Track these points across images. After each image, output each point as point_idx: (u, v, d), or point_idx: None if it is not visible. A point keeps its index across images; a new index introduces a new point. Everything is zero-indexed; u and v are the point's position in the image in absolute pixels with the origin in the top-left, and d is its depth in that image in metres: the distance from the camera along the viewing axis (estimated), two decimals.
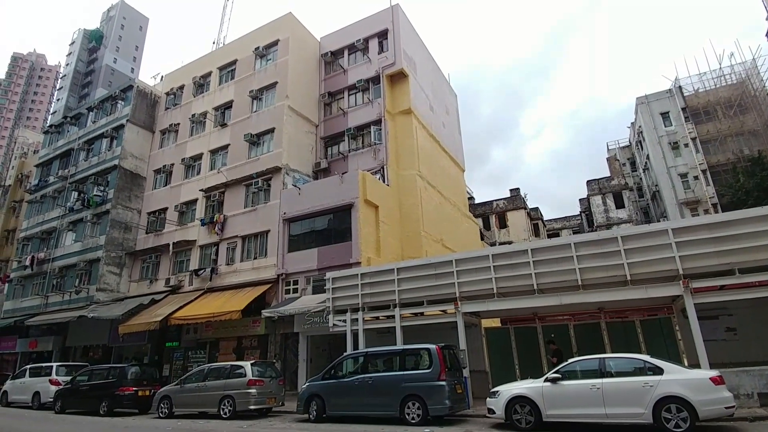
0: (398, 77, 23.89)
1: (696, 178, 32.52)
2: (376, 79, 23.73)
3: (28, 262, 27.53)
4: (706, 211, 30.63)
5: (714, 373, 7.92)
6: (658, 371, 7.96)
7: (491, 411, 9.30)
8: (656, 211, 38.21)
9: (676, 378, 7.79)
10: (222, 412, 12.46)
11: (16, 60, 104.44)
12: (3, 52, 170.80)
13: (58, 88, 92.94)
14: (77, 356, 25.40)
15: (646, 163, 39.04)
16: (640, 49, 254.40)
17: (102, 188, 26.13)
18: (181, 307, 19.96)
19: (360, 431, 9.49)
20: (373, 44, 24.63)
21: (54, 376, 17.28)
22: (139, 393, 14.48)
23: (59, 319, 23.72)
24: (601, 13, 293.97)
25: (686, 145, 33.49)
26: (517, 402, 8.89)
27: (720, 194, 30.63)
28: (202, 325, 20.37)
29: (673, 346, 12.37)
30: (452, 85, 32.84)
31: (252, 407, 12.40)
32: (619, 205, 39.26)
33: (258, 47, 24.92)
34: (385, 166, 21.92)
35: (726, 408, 7.51)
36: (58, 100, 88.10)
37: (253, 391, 12.46)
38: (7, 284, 29.68)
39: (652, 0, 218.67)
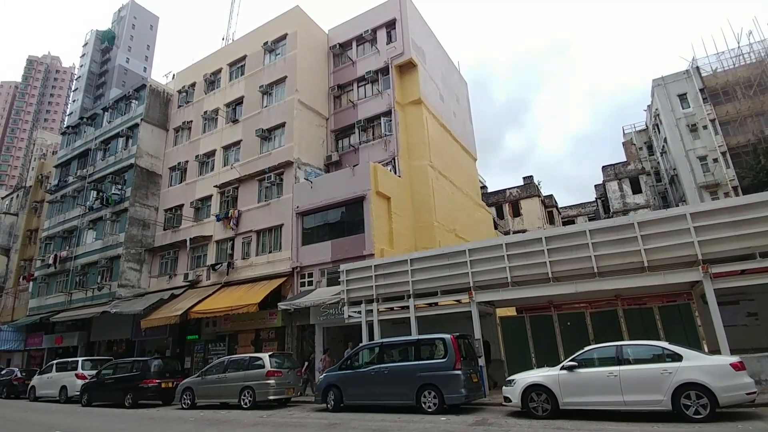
0: (407, 67, 23.70)
1: (715, 160, 31.70)
2: (385, 70, 23.58)
3: (51, 261, 28.34)
4: (727, 195, 29.89)
5: (734, 358, 7.81)
6: (677, 358, 7.87)
7: (507, 399, 9.34)
8: (675, 196, 37.43)
9: (695, 364, 7.69)
10: (242, 403, 12.76)
11: (31, 63, 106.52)
12: (18, 55, 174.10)
13: (73, 89, 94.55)
14: (101, 351, 26.20)
15: (663, 146, 38.19)
16: (656, 30, 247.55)
17: (120, 187, 26.67)
18: (199, 301, 20.35)
19: (377, 420, 9.61)
20: (381, 34, 24.42)
21: (80, 371, 17.77)
22: (162, 385, 14.88)
23: (83, 315, 24.43)
24: None
25: (705, 127, 32.63)
26: (534, 390, 8.90)
27: (740, 177, 29.88)
28: (220, 318, 20.75)
29: (693, 333, 12.17)
30: (463, 71, 32.56)
31: (271, 398, 12.66)
32: (636, 190, 38.54)
33: (266, 42, 24.95)
34: (396, 158, 21.87)
35: (747, 394, 7.40)
36: (74, 101, 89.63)
37: (272, 381, 12.71)
38: (31, 282, 30.60)
39: None
